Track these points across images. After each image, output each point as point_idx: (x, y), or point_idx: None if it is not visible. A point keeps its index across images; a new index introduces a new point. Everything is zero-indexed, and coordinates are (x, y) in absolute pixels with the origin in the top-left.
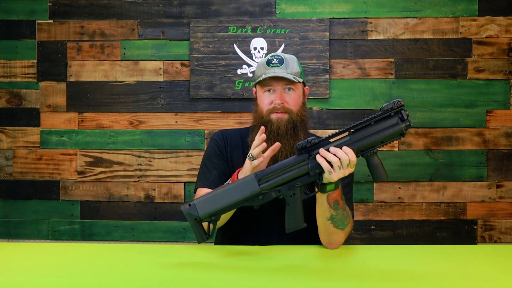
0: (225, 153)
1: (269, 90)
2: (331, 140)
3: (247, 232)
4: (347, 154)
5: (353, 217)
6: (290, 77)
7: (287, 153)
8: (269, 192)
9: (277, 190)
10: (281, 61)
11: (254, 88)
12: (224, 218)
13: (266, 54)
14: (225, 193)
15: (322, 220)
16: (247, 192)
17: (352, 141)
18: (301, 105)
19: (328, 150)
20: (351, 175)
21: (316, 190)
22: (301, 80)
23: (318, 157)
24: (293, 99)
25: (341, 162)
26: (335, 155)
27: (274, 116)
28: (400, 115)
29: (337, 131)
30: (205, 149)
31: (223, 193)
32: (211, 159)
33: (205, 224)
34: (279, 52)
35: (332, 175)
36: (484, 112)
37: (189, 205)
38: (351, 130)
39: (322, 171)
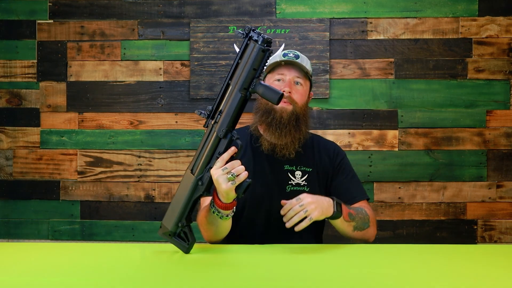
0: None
1: (278, 80)
2: (223, 99)
3: (250, 230)
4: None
5: (368, 199)
6: (305, 68)
7: (287, 143)
8: (203, 174)
9: (207, 168)
10: (296, 56)
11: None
12: (224, 229)
13: None
14: (176, 198)
15: (351, 234)
16: (188, 186)
17: (234, 86)
18: (305, 103)
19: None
20: (351, 170)
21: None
22: (311, 78)
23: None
24: (299, 93)
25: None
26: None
27: (278, 105)
28: (253, 39)
29: (221, 88)
30: None
31: (175, 200)
32: None
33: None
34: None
35: (309, 214)
36: (484, 112)
37: (160, 226)
38: (229, 79)
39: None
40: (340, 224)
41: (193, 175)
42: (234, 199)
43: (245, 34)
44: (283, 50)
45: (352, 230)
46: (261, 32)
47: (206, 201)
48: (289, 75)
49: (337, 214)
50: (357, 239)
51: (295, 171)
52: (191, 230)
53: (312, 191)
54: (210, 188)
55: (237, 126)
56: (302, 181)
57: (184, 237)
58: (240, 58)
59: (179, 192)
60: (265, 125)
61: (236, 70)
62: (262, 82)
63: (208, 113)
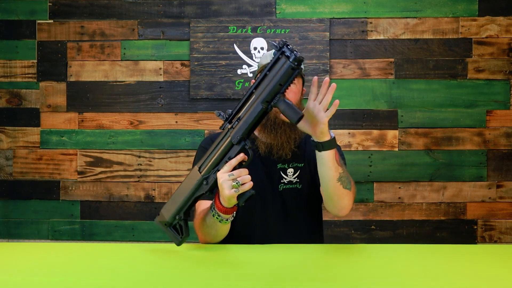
0: None
1: None
2: (244, 106)
3: (246, 232)
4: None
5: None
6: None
7: (283, 143)
8: (210, 175)
9: (215, 170)
10: None
11: (253, 80)
12: (223, 232)
13: None
14: (179, 191)
15: (333, 184)
16: (193, 182)
17: (257, 96)
18: (299, 100)
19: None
20: (342, 156)
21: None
22: (304, 76)
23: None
24: (293, 92)
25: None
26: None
27: None
28: (285, 54)
29: (245, 96)
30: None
31: (177, 193)
32: None
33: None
34: None
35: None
36: (484, 112)
37: (158, 214)
38: (254, 88)
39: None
40: (332, 162)
41: (200, 173)
42: (235, 205)
43: (278, 47)
44: None
45: (337, 178)
46: (295, 49)
47: (202, 205)
48: None
49: (332, 142)
50: (334, 197)
51: (287, 168)
52: (187, 225)
53: (304, 187)
54: (213, 189)
55: None
56: (294, 178)
57: (179, 229)
58: (269, 70)
59: (183, 186)
60: (260, 126)
61: (263, 80)
62: (285, 99)
63: (227, 116)
